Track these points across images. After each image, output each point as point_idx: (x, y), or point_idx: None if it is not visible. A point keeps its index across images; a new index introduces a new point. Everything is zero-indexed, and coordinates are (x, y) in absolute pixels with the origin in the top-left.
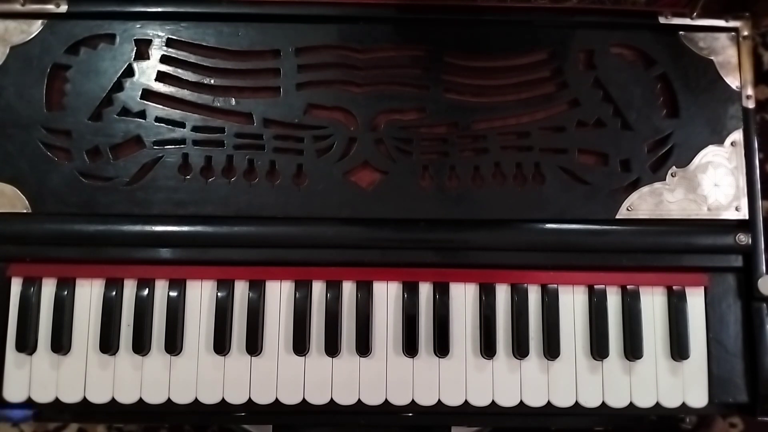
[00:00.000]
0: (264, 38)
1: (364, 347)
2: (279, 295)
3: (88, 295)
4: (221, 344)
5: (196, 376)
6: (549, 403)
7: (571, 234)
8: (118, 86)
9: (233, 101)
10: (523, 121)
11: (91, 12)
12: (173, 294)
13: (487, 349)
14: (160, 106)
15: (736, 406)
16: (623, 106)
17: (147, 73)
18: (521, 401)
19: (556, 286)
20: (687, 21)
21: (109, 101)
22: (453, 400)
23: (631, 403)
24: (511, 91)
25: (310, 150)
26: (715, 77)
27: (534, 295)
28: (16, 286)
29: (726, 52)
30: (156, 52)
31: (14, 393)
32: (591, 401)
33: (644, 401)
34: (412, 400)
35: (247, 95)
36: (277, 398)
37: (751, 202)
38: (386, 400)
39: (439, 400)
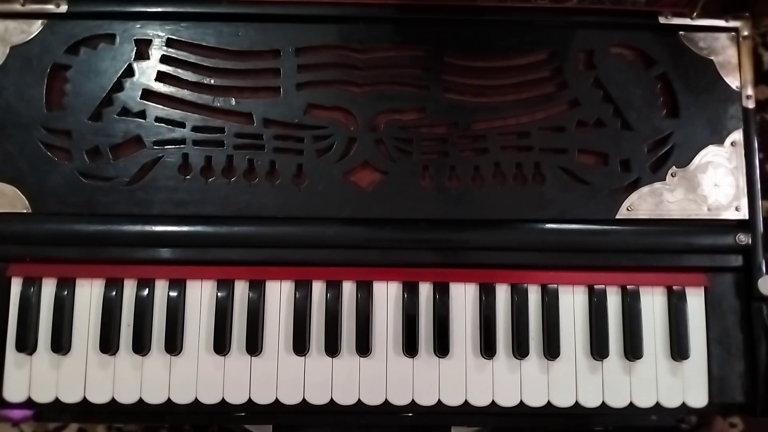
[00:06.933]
0: (264, 38)
1: (364, 347)
2: (279, 295)
3: (88, 295)
4: (221, 344)
5: (196, 376)
6: (549, 403)
7: (571, 234)
8: (118, 86)
9: (233, 101)
10: (523, 121)
11: (91, 12)
12: (173, 294)
13: (487, 349)
14: (160, 106)
15: (736, 406)
16: (623, 106)
17: (147, 73)
18: (521, 401)
19: (556, 286)
20: (687, 21)
21: (109, 101)
22: (453, 400)
23: (631, 403)
24: (511, 91)
25: (310, 150)
26: (715, 77)
27: (534, 295)
28: (16, 286)
29: (726, 52)
30: (156, 52)
31: (14, 393)
32: (591, 401)
33: (644, 401)
34: (412, 400)
35: (247, 95)
36: (277, 398)
37: (751, 202)
38: (386, 400)
39: (439, 400)
